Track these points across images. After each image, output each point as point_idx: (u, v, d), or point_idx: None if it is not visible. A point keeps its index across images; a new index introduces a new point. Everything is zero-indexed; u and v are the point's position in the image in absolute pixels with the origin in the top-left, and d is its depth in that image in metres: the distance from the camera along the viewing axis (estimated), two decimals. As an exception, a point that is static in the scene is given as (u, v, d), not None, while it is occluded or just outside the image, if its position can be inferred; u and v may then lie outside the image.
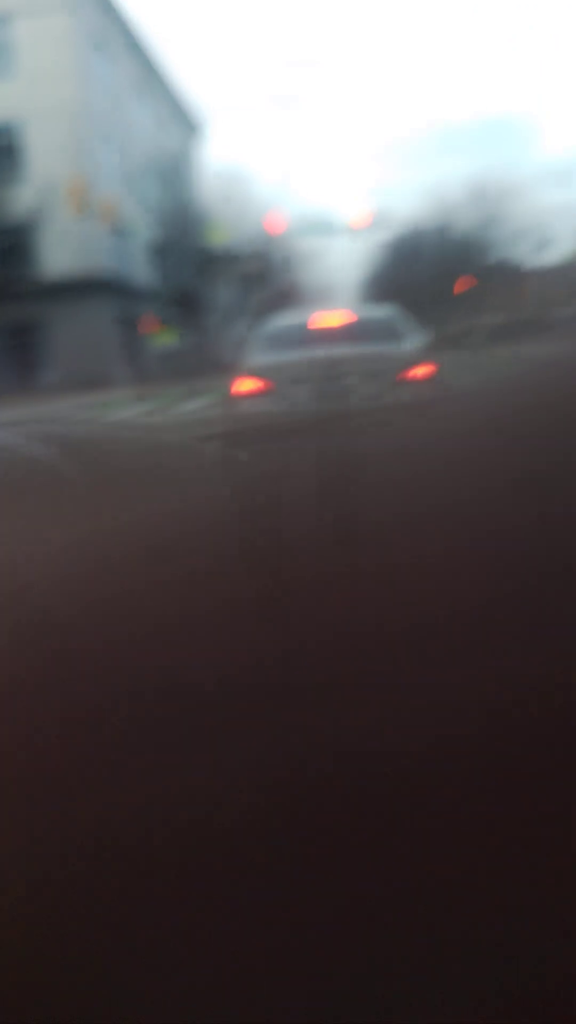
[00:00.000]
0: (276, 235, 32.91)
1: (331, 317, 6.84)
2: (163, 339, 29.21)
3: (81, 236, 28.43)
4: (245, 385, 6.01)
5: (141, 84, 37.86)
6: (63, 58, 29.41)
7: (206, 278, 37.47)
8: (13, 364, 31.52)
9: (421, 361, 5.94)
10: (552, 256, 53.99)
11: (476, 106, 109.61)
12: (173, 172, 36.29)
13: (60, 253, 28.61)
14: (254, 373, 6.04)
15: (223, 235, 33.88)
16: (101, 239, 29.97)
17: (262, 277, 46.62)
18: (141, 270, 34.95)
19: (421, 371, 5.88)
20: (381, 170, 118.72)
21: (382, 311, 7.65)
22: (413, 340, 6.40)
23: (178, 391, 22.18)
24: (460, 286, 41.77)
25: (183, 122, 45.55)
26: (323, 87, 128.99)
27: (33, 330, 30.46)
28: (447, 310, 51.12)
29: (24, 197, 27.14)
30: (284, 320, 7.48)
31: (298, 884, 0.22)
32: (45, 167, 28.72)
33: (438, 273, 48.25)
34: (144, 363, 33.90)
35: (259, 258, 43.78)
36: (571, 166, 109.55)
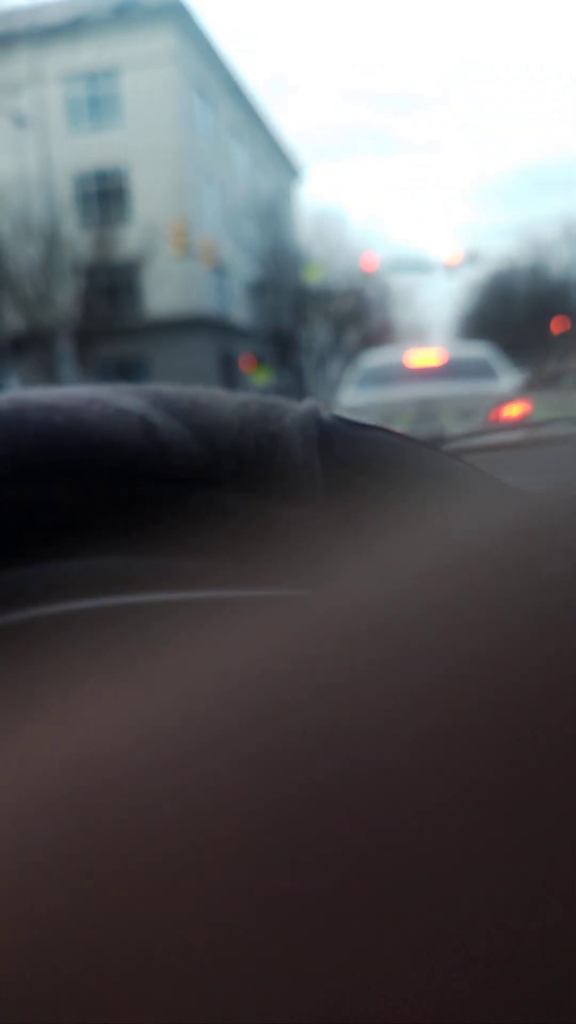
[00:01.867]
0: (370, 273, 32.30)
1: (425, 355, 6.62)
2: (260, 377, 29.00)
3: (183, 275, 28.50)
4: None
5: (241, 128, 38.16)
6: (167, 105, 29.66)
7: (301, 316, 37.21)
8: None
9: (515, 399, 5.63)
10: None
11: (568, 145, 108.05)
12: (271, 213, 36.31)
13: (163, 292, 28.73)
14: (348, 412, 5.51)
15: (318, 274, 33.57)
16: (202, 278, 30.02)
17: (357, 315, 46.25)
18: (240, 309, 34.95)
19: (515, 409, 5.40)
20: (474, 209, 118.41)
21: (476, 349, 7.41)
22: (507, 378, 6.17)
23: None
24: (556, 326, 40.30)
25: (281, 164, 45.78)
26: (419, 126, 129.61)
27: (138, 366, 30.76)
28: (543, 350, 49.79)
29: (131, 238, 27.49)
30: (378, 358, 7.25)
31: None
32: (149, 209, 29.01)
33: (533, 312, 46.86)
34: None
35: (354, 296, 43.39)
36: None
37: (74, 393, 0.29)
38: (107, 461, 0.26)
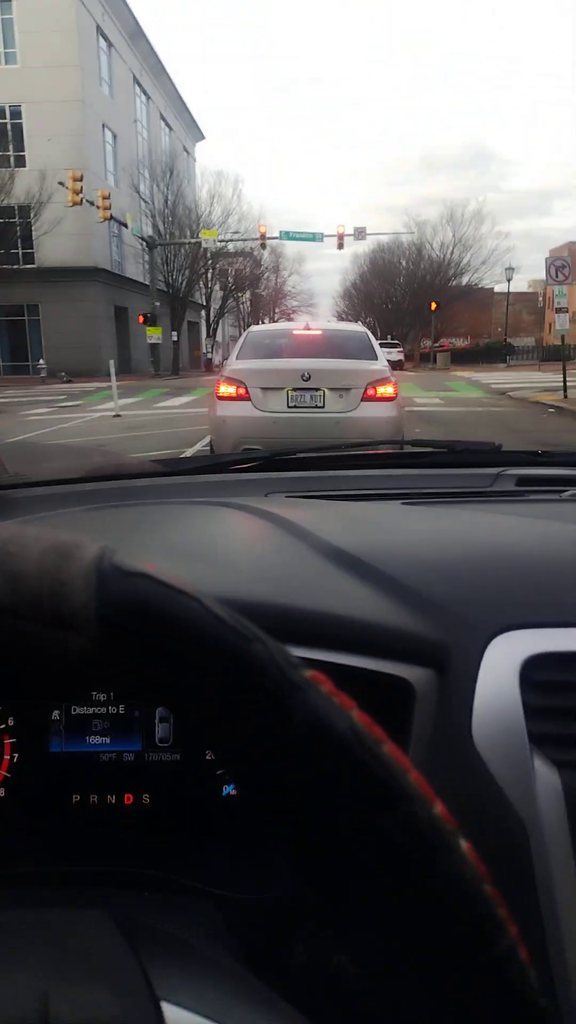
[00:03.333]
0: (265, 238, 32.65)
1: (308, 331, 6.86)
2: (153, 333, 28.88)
3: (77, 225, 27.83)
4: (225, 389, 5.99)
5: (145, 80, 37.21)
6: (65, 44, 28.38)
7: (197, 275, 37.12)
8: (5, 346, 30.96)
9: (386, 379, 5.97)
10: (518, 283, 54.71)
11: (458, 134, 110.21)
12: (170, 170, 35.82)
13: (57, 240, 27.87)
14: (234, 377, 6.02)
15: (215, 234, 33.57)
16: (97, 230, 29.41)
17: (251, 278, 46.41)
18: (136, 263, 34.51)
19: (385, 389, 5.93)
20: (366, 186, 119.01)
21: (354, 327, 7.77)
22: (383, 358, 6.44)
23: (161, 389, 22.09)
24: (433, 305, 42.01)
25: (184, 122, 44.92)
26: (316, 105, 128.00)
27: (26, 313, 29.95)
28: (420, 327, 51.61)
29: (22, 183, 26.47)
30: (265, 330, 7.46)
31: None
32: (43, 154, 27.79)
33: (414, 290, 48.39)
34: (133, 355, 33.55)
35: (249, 259, 43.52)
36: (539, 198, 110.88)
37: None
38: None
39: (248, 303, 51.27)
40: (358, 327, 7.75)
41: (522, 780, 0.56)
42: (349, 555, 0.76)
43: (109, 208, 25.17)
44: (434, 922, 0.30)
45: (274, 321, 46.92)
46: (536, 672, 0.61)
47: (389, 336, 46.88)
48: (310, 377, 5.91)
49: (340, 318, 53.53)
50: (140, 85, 36.54)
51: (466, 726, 0.58)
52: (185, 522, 0.95)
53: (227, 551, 0.82)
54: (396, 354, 37.55)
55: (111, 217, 25.91)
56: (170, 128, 41.87)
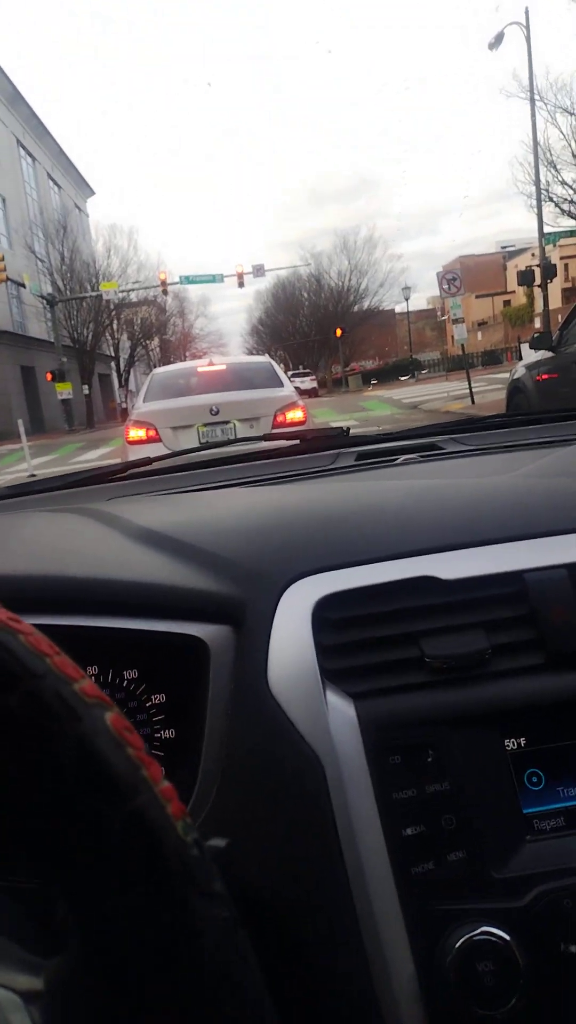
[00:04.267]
0: (166, 285, 32.79)
1: (212, 366, 6.89)
2: (62, 389, 28.53)
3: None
4: (135, 433, 5.90)
5: (29, 143, 37.23)
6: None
7: (101, 327, 36.96)
8: None
9: (294, 404, 6.01)
10: (416, 301, 56.39)
11: (342, 164, 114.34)
12: (63, 227, 35.75)
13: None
14: (142, 420, 5.96)
15: (115, 285, 33.55)
16: (-5, 292, 29.07)
17: (157, 324, 46.46)
18: (39, 321, 34.16)
19: (294, 414, 5.96)
20: (260, 224, 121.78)
21: (258, 358, 7.93)
22: (289, 385, 6.49)
23: (76, 443, 21.75)
24: (339, 332, 42.92)
25: (72, 179, 45.03)
26: (204, 146, 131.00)
27: None
28: (328, 354, 52.65)
29: None
30: (169, 371, 7.49)
31: None
32: None
33: (318, 319, 49.34)
34: (46, 413, 33.01)
35: (153, 306, 43.60)
36: (426, 218, 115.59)
37: None
38: None
39: (158, 349, 51.31)
40: (261, 358, 7.86)
41: (317, 716, 0.59)
42: (156, 533, 0.78)
43: (4, 270, 24.86)
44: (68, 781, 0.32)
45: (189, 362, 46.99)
46: (329, 612, 0.64)
47: (300, 366, 47.55)
48: (218, 411, 5.90)
49: (251, 354, 54.14)
50: (24, 147, 36.50)
51: (262, 674, 0.61)
52: (24, 526, 0.98)
53: (45, 543, 0.84)
54: (309, 382, 38.22)
55: (7, 279, 25.59)
56: (59, 187, 41.88)
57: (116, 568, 0.71)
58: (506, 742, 0.60)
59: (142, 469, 1.34)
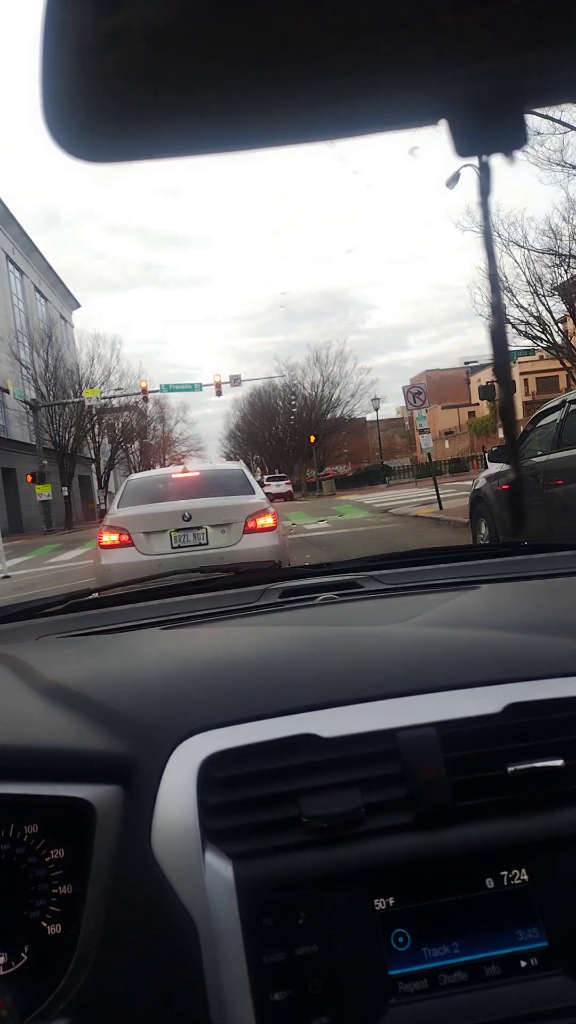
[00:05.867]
0: (147, 392, 33.60)
1: (185, 473, 6.97)
2: (42, 490, 28.66)
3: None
4: (108, 537, 5.92)
5: (16, 258, 38.76)
6: None
7: (83, 431, 37.51)
8: None
9: (264, 511, 6.09)
10: (386, 410, 58.12)
11: (316, 282, 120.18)
12: (48, 337, 36.81)
13: None
14: (115, 525, 5.99)
15: (96, 392, 34.33)
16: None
17: (137, 429, 47.25)
18: (21, 426, 34.63)
19: (264, 520, 6.04)
20: (238, 334, 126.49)
21: (231, 465, 8.10)
22: (260, 492, 6.57)
23: (53, 544, 21.71)
24: (312, 439, 43.93)
25: (58, 292, 46.69)
26: (187, 263, 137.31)
27: None
28: (302, 459, 53.71)
29: None
30: (144, 477, 7.59)
31: None
32: None
33: (292, 426, 50.54)
34: (24, 513, 33.00)
35: (134, 412, 44.45)
36: (395, 334, 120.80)
37: None
38: None
39: (138, 452, 51.91)
40: (234, 465, 8.02)
41: (195, 879, 0.60)
42: (62, 687, 0.79)
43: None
44: None
45: (165, 468, 47.53)
46: (215, 770, 0.65)
47: (276, 470, 48.19)
48: (191, 517, 5.98)
49: (228, 458, 54.96)
50: (13, 263, 37.96)
51: (146, 836, 0.62)
52: None
53: None
54: (284, 486, 38.75)
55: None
56: (46, 299, 43.35)
57: (12, 731, 0.71)
58: (376, 902, 0.60)
59: (82, 600, 1.36)
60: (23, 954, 0.64)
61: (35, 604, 1.37)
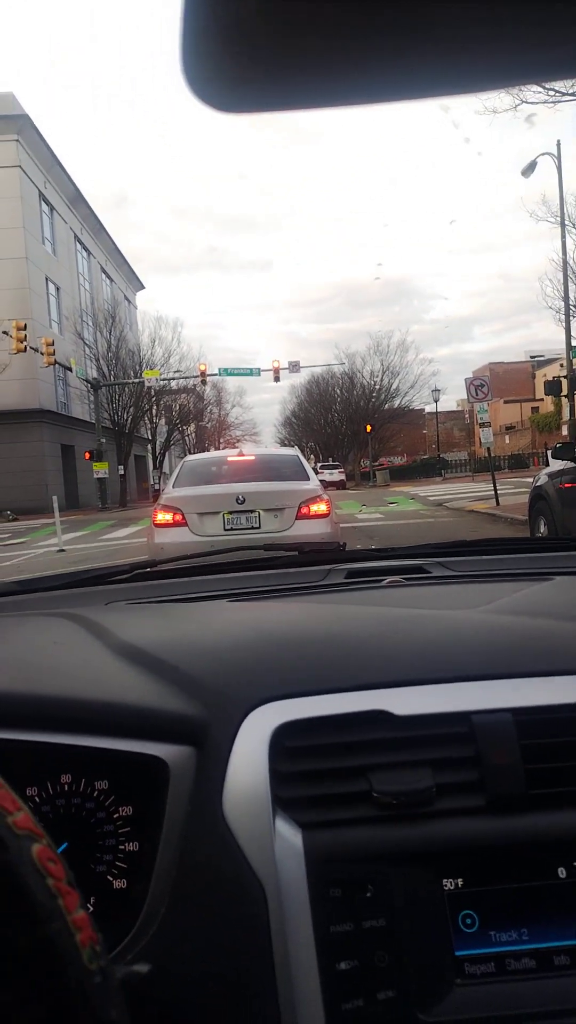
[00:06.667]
0: (205, 376, 33.84)
1: (241, 456, 7.00)
2: (99, 468, 29.24)
3: (23, 371, 28.60)
4: (162, 516, 6.01)
5: (85, 238, 39.32)
6: (10, 210, 30.11)
7: (141, 412, 38.00)
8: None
9: (318, 497, 6.08)
10: (446, 402, 57.35)
11: (379, 271, 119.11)
12: (112, 317, 37.33)
13: (2, 384, 28.63)
14: (170, 504, 6.06)
15: (157, 374, 34.69)
16: (42, 375, 30.17)
17: (194, 412, 47.68)
18: (82, 404, 35.25)
19: (318, 507, 6.02)
20: (298, 321, 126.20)
21: (286, 451, 8.07)
22: (314, 478, 6.57)
23: (108, 521, 22.11)
24: (368, 428, 43.65)
25: (123, 273, 47.25)
26: (251, 247, 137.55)
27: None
28: (357, 448, 53.46)
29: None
30: (200, 457, 7.65)
31: None
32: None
33: (349, 415, 50.28)
34: (81, 490, 33.68)
35: (191, 395, 44.84)
36: (460, 325, 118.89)
37: None
38: None
39: (193, 435, 52.38)
40: (290, 450, 8.00)
41: (265, 845, 0.60)
42: (136, 648, 0.81)
43: (53, 354, 25.89)
44: None
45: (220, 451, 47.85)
46: (286, 739, 0.66)
47: (330, 458, 48.11)
48: (244, 500, 6.00)
49: (282, 444, 55.01)
50: (81, 242, 38.55)
51: (217, 797, 0.63)
52: (16, 632, 1.00)
53: (28, 658, 0.86)
54: (338, 474, 38.70)
55: (55, 362, 26.60)
56: (111, 280, 43.93)
57: (91, 687, 0.73)
58: (444, 882, 0.61)
59: (147, 571, 1.38)
60: (89, 905, 0.65)
61: (102, 571, 1.39)
